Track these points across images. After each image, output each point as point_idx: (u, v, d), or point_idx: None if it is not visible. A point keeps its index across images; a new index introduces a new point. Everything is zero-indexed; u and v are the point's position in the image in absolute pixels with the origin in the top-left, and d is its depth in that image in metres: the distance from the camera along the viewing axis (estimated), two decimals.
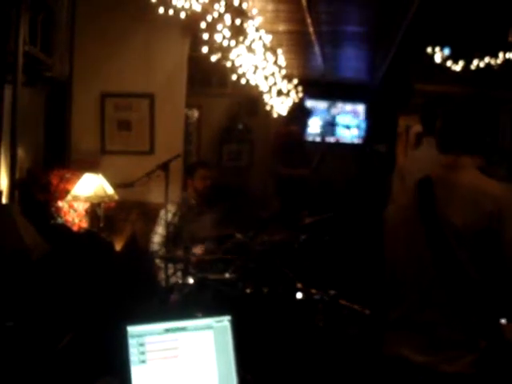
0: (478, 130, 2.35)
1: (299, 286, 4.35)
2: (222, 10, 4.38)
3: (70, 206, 5.22)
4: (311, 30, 6.28)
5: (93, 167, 5.49)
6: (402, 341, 2.30)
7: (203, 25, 4.50)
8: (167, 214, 4.79)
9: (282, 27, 6.37)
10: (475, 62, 7.82)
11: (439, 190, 2.31)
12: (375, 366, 2.75)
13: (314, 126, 10.85)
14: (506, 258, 2.16)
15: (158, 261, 4.99)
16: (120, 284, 4.38)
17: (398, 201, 2.61)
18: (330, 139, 10.90)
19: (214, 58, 5.14)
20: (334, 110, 11.09)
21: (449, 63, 8.02)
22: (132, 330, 2.31)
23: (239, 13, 4.70)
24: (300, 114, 8.06)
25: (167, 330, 2.36)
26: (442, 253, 2.22)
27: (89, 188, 5.11)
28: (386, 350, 2.39)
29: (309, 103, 10.60)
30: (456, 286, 2.19)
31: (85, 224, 5.29)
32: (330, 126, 10.84)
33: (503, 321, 2.20)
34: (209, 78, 9.44)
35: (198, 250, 4.95)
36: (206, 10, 4.35)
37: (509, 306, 2.19)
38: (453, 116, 2.40)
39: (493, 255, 2.17)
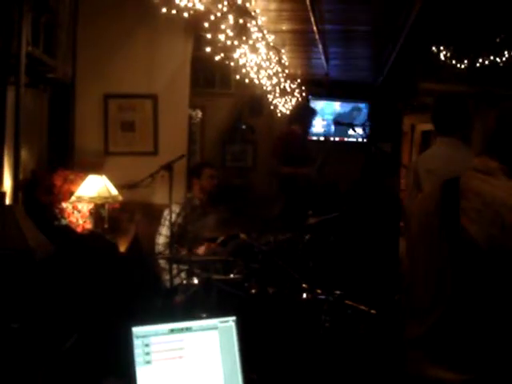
0: None
1: (304, 286, 4.34)
2: (225, 9, 4.36)
3: (74, 208, 5.22)
4: (315, 28, 6.26)
5: (96, 168, 5.49)
6: (427, 358, 2.11)
7: (206, 24, 4.48)
8: (171, 215, 4.77)
9: (285, 26, 6.35)
10: (480, 60, 7.79)
11: (466, 198, 2.09)
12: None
13: (317, 126, 10.83)
14: None
15: (162, 261, 4.99)
16: (124, 285, 4.37)
17: (421, 204, 2.35)
18: (334, 138, 10.88)
19: (217, 58, 5.12)
20: (337, 109, 11.07)
21: (453, 61, 7.99)
22: (137, 330, 2.30)
23: (242, 12, 4.68)
24: (303, 113, 8.03)
25: (172, 331, 2.35)
26: (464, 268, 2.02)
27: (93, 189, 5.11)
28: (407, 368, 2.20)
29: (312, 102, 10.58)
30: (480, 304, 2.00)
31: (89, 225, 5.28)
32: (333, 125, 10.81)
33: None
34: (212, 79, 9.45)
35: (200, 250, 4.94)
36: (209, 9, 4.33)
37: None
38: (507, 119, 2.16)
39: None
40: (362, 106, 11.08)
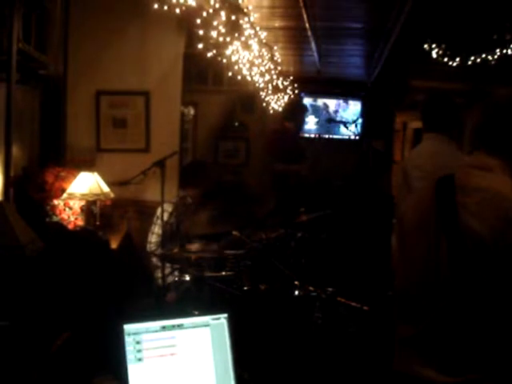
0: None
1: (296, 283, 4.34)
2: (218, 5, 4.35)
3: (66, 204, 5.20)
4: (307, 25, 6.25)
5: (88, 165, 5.47)
6: (417, 359, 2.10)
7: (198, 21, 4.46)
8: (163, 214, 4.76)
9: (277, 23, 6.34)
10: (472, 58, 7.81)
11: (463, 194, 2.07)
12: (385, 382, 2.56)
13: (310, 123, 10.83)
14: None
15: (155, 259, 4.98)
16: (116, 282, 4.35)
17: (413, 202, 2.35)
18: (327, 136, 10.89)
19: (209, 55, 5.11)
20: (330, 107, 11.07)
21: (445, 59, 8.00)
22: (128, 327, 2.29)
23: (235, 9, 4.67)
24: (295, 110, 8.04)
25: (164, 328, 2.35)
26: (463, 266, 2.00)
27: (84, 186, 5.09)
28: (398, 366, 2.20)
29: (305, 100, 10.59)
30: (478, 302, 1.97)
31: (80, 222, 5.27)
32: (326, 122, 10.82)
33: None
34: (205, 75, 9.44)
35: (194, 247, 4.93)
36: (201, 5, 4.32)
37: None
38: (497, 112, 2.16)
39: None
40: (355, 103, 11.08)
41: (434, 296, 2.07)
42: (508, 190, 2.03)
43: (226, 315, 2.47)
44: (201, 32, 4.58)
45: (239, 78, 6.40)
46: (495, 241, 1.96)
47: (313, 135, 10.84)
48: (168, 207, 5.03)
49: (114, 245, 5.15)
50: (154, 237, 5.06)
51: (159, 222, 4.90)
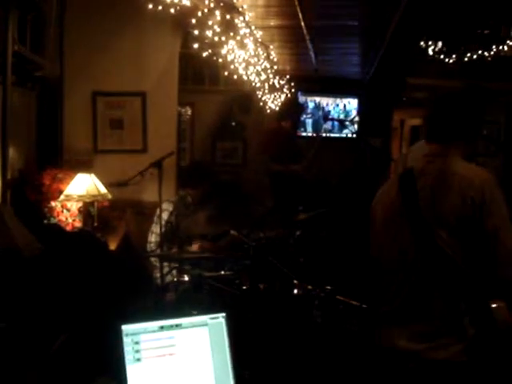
0: (464, 119, 2.36)
1: (295, 282, 4.33)
2: (212, 5, 4.35)
3: (63, 206, 5.19)
4: (303, 24, 6.25)
5: (85, 166, 5.47)
6: (394, 332, 2.35)
7: (193, 21, 4.46)
8: (162, 213, 4.75)
9: (273, 22, 6.33)
10: (468, 55, 7.81)
11: (424, 180, 2.31)
12: (370, 358, 2.79)
13: (307, 122, 10.83)
14: (491, 243, 2.17)
15: (153, 259, 4.97)
16: (114, 283, 4.35)
17: (381, 195, 2.58)
18: (324, 134, 10.88)
19: (205, 54, 5.10)
20: (327, 105, 11.07)
21: (442, 56, 8.00)
22: (126, 328, 2.29)
23: (229, 8, 4.67)
24: (291, 109, 8.04)
25: (162, 328, 2.34)
26: (425, 243, 2.23)
27: (82, 187, 5.09)
28: (379, 341, 2.44)
29: (302, 98, 10.58)
30: (443, 274, 2.21)
31: (78, 224, 5.26)
32: (323, 120, 10.81)
33: (494, 305, 2.21)
34: (201, 75, 9.43)
35: (193, 248, 4.93)
36: (196, 5, 4.31)
37: (496, 290, 2.20)
38: (439, 104, 2.41)
39: (476, 241, 2.19)
40: (352, 101, 11.08)
41: (405, 276, 2.32)
42: (461, 168, 2.27)
43: (224, 314, 2.46)
44: (196, 32, 4.57)
45: (235, 77, 6.39)
46: (455, 215, 2.20)
47: (310, 134, 10.83)
48: (168, 206, 5.03)
49: (112, 246, 5.15)
50: (153, 236, 5.05)
51: (159, 221, 4.90)
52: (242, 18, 5.06)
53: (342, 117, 10.80)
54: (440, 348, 2.21)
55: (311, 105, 10.92)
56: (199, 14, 4.37)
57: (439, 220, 2.22)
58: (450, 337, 2.22)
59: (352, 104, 11.03)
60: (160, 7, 4.22)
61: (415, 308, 2.29)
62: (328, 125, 10.75)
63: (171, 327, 2.36)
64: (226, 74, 6.19)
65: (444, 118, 2.37)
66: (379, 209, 2.49)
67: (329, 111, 10.97)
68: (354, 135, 10.49)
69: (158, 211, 4.98)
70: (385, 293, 2.43)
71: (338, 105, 11.05)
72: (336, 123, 10.52)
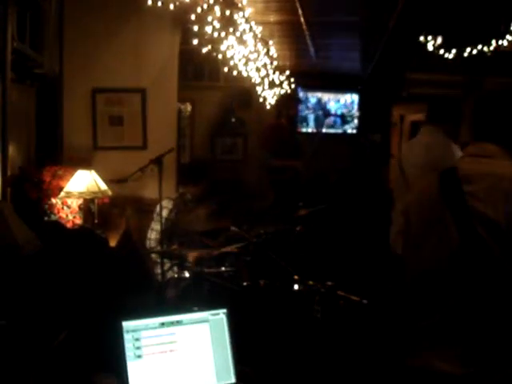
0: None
1: (296, 277, 4.34)
2: (212, 1, 4.34)
3: (64, 203, 5.18)
4: (302, 19, 6.24)
5: (85, 163, 5.45)
6: (434, 351, 2.08)
7: (193, 17, 4.45)
8: (161, 210, 4.75)
9: (272, 18, 6.33)
10: (468, 50, 7.80)
11: (471, 182, 2.10)
12: (397, 377, 2.53)
13: (308, 117, 10.83)
14: None
15: (154, 256, 4.97)
16: (115, 280, 4.35)
17: (418, 196, 2.35)
18: (324, 130, 10.88)
19: (204, 50, 5.10)
20: (327, 101, 11.06)
21: (441, 51, 7.99)
22: (127, 324, 2.29)
23: (229, 3, 4.66)
24: (290, 105, 8.05)
25: (163, 324, 2.34)
26: (478, 252, 2.00)
27: (82, 184, 5.07)
28: (412, 360, 2.17)
29: (301, 94, 10.58)
30: (494, 288, 1.97)
31: (79, 221, 5.25)
32: (323, 116, 10.82)
33: None
34: (201, 72, 9.42)
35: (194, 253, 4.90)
36: (196, 1, 4.31)
37: None
38: (490, 103, 2.24)
39: None
40: (352, 96, 11.07)
41: (449, 286, 2.07)
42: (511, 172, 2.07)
43: (224, 310, 2.46)
44: (196, 28, 4.57)
45: (235, 73, 6.39)
46: (509, 224, 1.98)
47: (310, 130, 10.83)
48: (168, 203, 5.03)
49: (112, 243, 5.14)
50: (153, 233, 5.05)
51: (159, 218, 4.90)
52: (241, 14, 5.06)
53: (343, 112, 10.80)
54: (480, 375, 1.97)
55: (313, 100, 10.91)
56: (199, 9, 4.37)
57: (492, 226, 2.01)
58: (499, 363, 1.97)
59: (353, 99, 11.03)
60: (159, 3, 4.22)
61: (457, 327, 2.04)
62: (330, 120, 10.75)
63: (172, 324, 2.36)
64: (225, 69, 6.18)
65: (490, 116, 2.21)
66: (415, 211, 2.28)
67: (330, 107, 10.97)
68: (354, 131, 10.49)
69: (157, 208, 4.98)
70: (421, 304, 2.18)
71: (339, 100, 11.05)
72: (337, 119, 10.52)
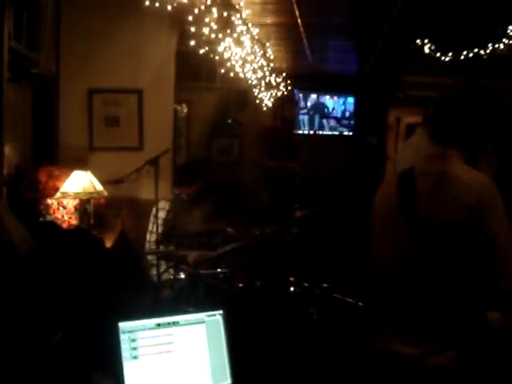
0: (468, 121, 2.27)
1: (292, 279, 4.34)
2: (209, 2, 4.35)
3: (59, 203, 5.18)
4: (299, 21, 6.25)
5: (81, 164, 5.44)
6: (389, 334, 2.30)
7: (190, 18, 4.45)
8: (158, 211, 4.75)
9: (269, 19, 6.34)
10: (464, 53, 7.83)
11: (422, 181, 2.24)
12: (366, 358, 2.74)
13: (303, 119, 10.84)
14: (490, 252, 2.10)
15: (150, 257, 4.96)
16: (111, 281, 4.34)
17: (380, 194, 2.51)
18: (320, 131, 10.89)
19: (201, 52, 5.10)
20: (323, 103, 11.07)
21: (438, 54, 8.01)
22: (123, 325, 2.28)
23: (226, 5, 4.67)
24: (287, 105, 8.07)
25: (159, 325, 2.34)
26: (422, 247, 2.17)
27: (78, 185, 5.07)
28: (375, 342, 2.39)
29: (298, 96, 10.59)
30: (438, 280, 2.15)
31: (74, 221, 5.24)
32: (319, 118, 10.83)
33: (495, 315, 2.15)
34: (197, 73, 9.42)
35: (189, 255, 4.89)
36: (193, 2, 4.31)
37: (494, 299, 2.14)
38: (443, 104, 2.33)
39: (474, 248, 2.12)
40: (348, 98, 11.09)
41: (400, 278, 2.26)
42: (459, 172, 2.19)
43: (221, 312, 2.46)
44: (193, 29, 4.57)
45: (232, 75, 6.39)
46: (452, 220, 2.13)
47: (306, 131, 10.84)
48: (165, 205, 5.02)
49: (108, 243, 5.13)
50: (153, 236, 5.03)
51: (156, 220, 4.89)
52: (238, 16, 5.06)
53: (339, 114, 10.82)
54: (434, 354, 2.16)
55: (309, 102, 10.93)
56: (196, 11, 4.37)
57: (436, 224, 2.15)
58: (443, 343, 2.16)
59: (349, 101, 11.04)
60: (157, 4, 4.22)
61: (409, 312, 2.23)
62: (326, 122, 10.76)
63: (168, 324, 2.36)
64: (222, 71, 6.19)
65: (447, 118, 2.29)
66: (378, 207, 2.43)
67: (327, 109, 10.99)
68: (350, 133, 10.50)
69: (154, 210, 4.98)
70: (379, 294, 2.39)
71: (335, 102, 11.06)
72: (333, 121, 10.53)
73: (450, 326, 2.17)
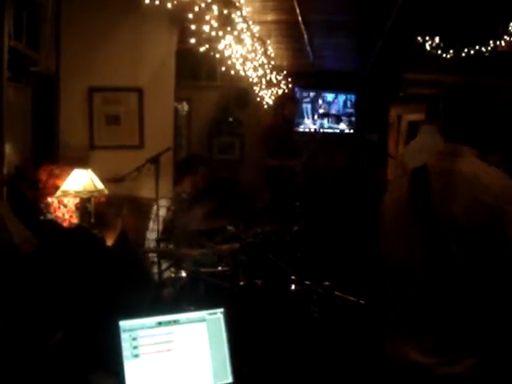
0: (481, 117, 2.20)
1: (293, 277, 4.33)
2: None
3: (60, 202, 5.17)
4: (300, 19, 6.24)
5: (82, 162, 5.44)
6: (403, 341, 2.17)
7: (190, 15, 4.44)
8: (159, 210, 4.74)
9: (270, 17, 6.32)
10: (465, 50, 7.81)
11: (436, 179, 2.15)
12: (377, 366, 2.63)
13: (304, 117, 10.82)
14: (509, 254, 1.98)
15: (151, 256, 4.96)
16: (111, 279, 4.34)
17: (392, 192, 2.42)
18: (321, 129, 10.88)
19: (202, 49, 5.09)
20: (324, 100, 11.05)
21: (439, 52, 7.99)
22: (124, 324, 2.28)
23: (226, 2, 4.65)
24: (288, 103, 8.05)
25: (160, 324, 2.33)
26: (436, 245, 2.06)
27: (78, 183, 5.06)
28: (387, 349, 2.27)
29: (299, 94, 10.58)
30: (453, 284, 2.03)
31: (75, 220, 5.24)
32: (320, 116, 10.81)
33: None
34: (198, 71, 9.41)
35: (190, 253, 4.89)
36: (193, 0, 4.30)
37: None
38: (455, 100, 2.25)
39: (492, 250, 2.00)
40: (349, 96, 11.06)
41: (413, 280, 2.14)
42: (477, 171, 2.10)
43: (222, 310, 2.46)
44: (193, 27, 4.56)
45: (232, 73, 6.38)
46: (468, 221, 2.02)
47: (308, 130, 10.83)
48: (166, 203, 5.01)
49: (109, 242, 5.13)
50: (152, 234, 5.03)
51: (156, 218, 4.89)
52: (239, 13, 5.05)
53: (340, 112, 10.80)
54: (451, 363, 2.04)
55: (310, 100, 10.91)
56: (196, 8, 4.36)
57: (452, 223, 2.05)
58: (460, 352, 2.04)
59: (350, 99, 11.02)
60: (157, 2, 4.21)
61: (425, 318, 2.11)
62: (327, 120, 10.75)
63: (169, 323, 2.35)
64: (223, 69, 6.18)
65: (459, 114, 2.22)
66: (389, 205, 2.34)
67: (328, 106, 10.97)
68: (352, 130, 10.49)
69: (155, 208, 4.97)
70: (389, 295, 2.29)
71: (336, 100, 11.04)
72: (334, 118, 10.52)
73: (467, 334, 2.04)
